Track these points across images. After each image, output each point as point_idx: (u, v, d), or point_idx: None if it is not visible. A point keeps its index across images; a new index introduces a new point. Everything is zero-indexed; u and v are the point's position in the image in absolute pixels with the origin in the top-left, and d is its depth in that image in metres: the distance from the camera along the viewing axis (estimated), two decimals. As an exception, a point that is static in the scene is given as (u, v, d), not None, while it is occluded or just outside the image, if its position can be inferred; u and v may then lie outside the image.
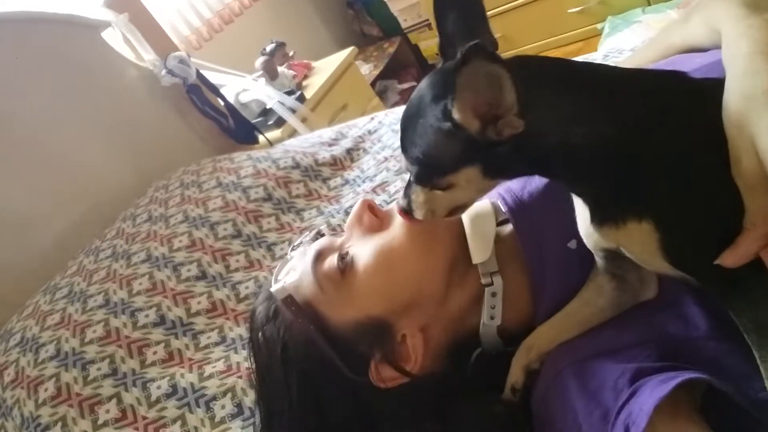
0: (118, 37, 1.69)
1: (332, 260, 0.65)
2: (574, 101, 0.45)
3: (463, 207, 0.55)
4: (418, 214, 0.54)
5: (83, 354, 1.00)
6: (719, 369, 0.50)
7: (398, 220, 0.66)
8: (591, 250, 0.55)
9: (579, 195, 0.51)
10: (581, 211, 0.52)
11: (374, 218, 0.68)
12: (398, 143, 0.53)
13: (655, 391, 0.46)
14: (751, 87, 0.40)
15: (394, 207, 0.68)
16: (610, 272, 0.57)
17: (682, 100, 0.46)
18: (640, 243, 0.46)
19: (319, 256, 0.67)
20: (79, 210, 1.48)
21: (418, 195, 0.53)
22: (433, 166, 0.49)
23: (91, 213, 1.48)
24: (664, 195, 0.44)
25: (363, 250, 0.66)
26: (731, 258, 0.41)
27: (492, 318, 0.62)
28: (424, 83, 0.50)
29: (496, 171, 0.48)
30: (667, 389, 0.45)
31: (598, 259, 0.57)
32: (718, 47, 0.51)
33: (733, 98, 0.41)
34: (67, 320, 1.07)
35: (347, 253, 0.66)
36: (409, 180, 0.54)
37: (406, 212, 0.55)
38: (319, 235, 0.76)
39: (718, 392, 0.47)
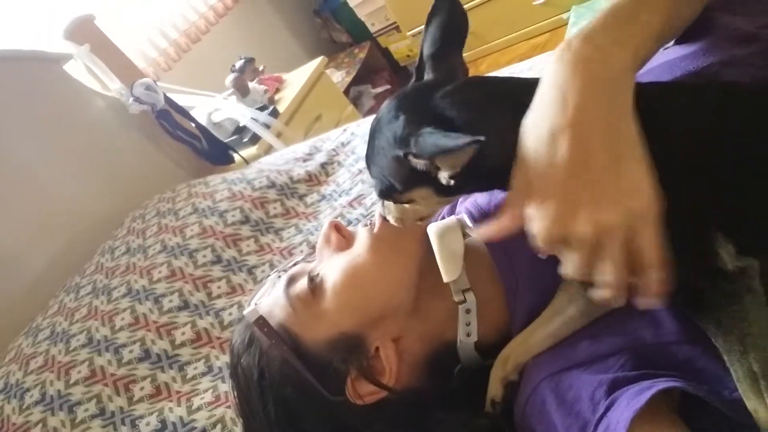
0: (80, 69, 1.67)
1: (303, 282, 0.67)
2: (503, 117, 0.47)
3: (427, 217, 0.58)
4: (391, 221, 0.58)
5: (69, 396, 0.99)
6: (693, 371, 0.50)
7: (362, 237, 0.69)
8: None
9: None
10: None
11: (341, 238, 0.70)
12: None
13: (632, 402, 0.46)
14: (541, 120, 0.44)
15: (359, 226, 0.73)
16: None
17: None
18: None
19: (291, 280, 0.69)
20: (57, 245, 1.47)
21: (388, 204, 0.56)
22: (390, 183, 0.51)
23: (69, 247, 1.46)
24: None
25: (331, 268, 0.67)
26: (489, 232, 0.48)
27: (468, 335, 0.63)
28: (386, 104, 0.52)
29: (448, 191, 0.49)
30: (643, 400, 0.45)
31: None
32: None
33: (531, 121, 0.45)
34: (51, 362, 1.06)
35: (317, 274, 0.67)
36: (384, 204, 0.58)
37: (384, 218, 0.59)
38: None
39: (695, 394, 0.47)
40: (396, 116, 0.49)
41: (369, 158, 0.53)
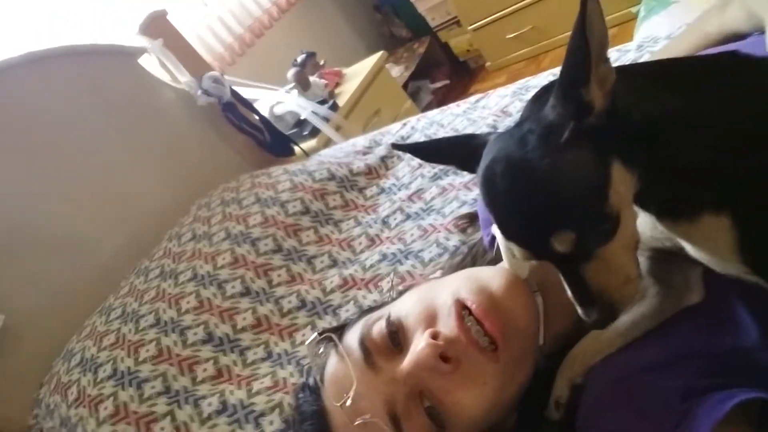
0: (153, 62, 1.74)
1: (424, 424, 0.56)
2: (646, 85, 0.44)
3: (639, 241, 0.45)
4: (630, 292, 0.43)
5: (138, 373, 1.04)
6: None
7: (488, 368, 0.56)
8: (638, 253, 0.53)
9: (647, 199, 0.46)
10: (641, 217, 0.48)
11: (448, 366, 0.55)
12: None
13: (711, 412, 0.44)
14: None
15: (460, 335, 0.56)
16: (655, 275, 0.55)
17: (756, 77, 0.45)
18: (714, 239, 0.43)
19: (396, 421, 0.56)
20: (127, 231, 1.54)
21: (603, 268, 0.41)
22: (588, 206, 0.39)
23: (139, 233, 1.53)
24: (745, 185, 0.42)
25: (455, 402, 0.56)
26: None
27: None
28: (500, 156, 0.42)
29: (623, 154, 0.41)
30: (723, 411, 0.43)
31: (643, 262, 0.55)
32: (758, 31, 0.49)
33: None
34: (121, 340, 1.12)
35: (437, 412, 0.56)
36: (572, 273, 0.42)
37: (613, 311, 0.43)
38: (324, 336, 0.65)
39: None
40: (531, 130, 0.40)
41: (538, 223, 0.40)
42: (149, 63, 1.75)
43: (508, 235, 0.42)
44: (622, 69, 0.41)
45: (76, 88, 1.54)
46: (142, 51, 1.69)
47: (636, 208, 0.45)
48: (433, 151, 0.55)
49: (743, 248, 0.42)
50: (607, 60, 0.39)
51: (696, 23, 0.73)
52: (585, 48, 0.37)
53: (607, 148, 0.40)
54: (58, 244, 1.43)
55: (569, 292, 0.43)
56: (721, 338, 0.52)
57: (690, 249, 0.47)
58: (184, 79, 1.74)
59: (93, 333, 1.19)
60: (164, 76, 1.79)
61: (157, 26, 1.74)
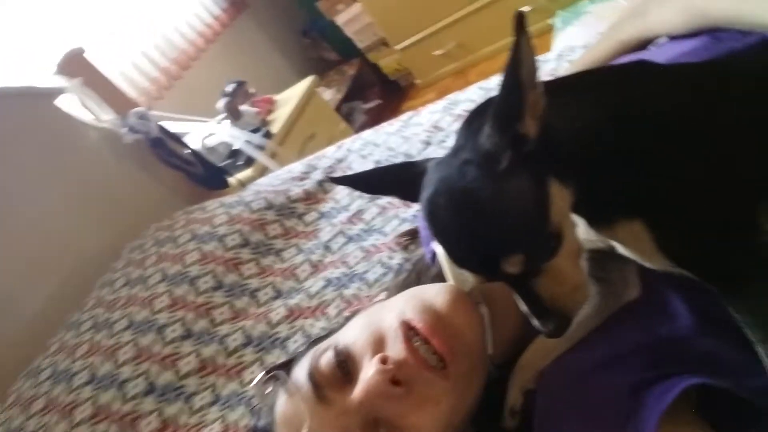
0: (74, 102, 1.67)
1: None
2: (570, 102, 0.46)
3: (581, 248, 0.46)
4: (581, 299, 0.45)
5: (72, 436, 0.96)
6: (714, 362, 0.49)
7: (437, 386, 0.55)
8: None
9: (579, 205, 0.47)
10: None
11: (399, 390, 0.54)
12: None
13: (655, 405, 0.45)
14: None
15: (406, 356, 0.55)
16: (594, 275, 0.56)
17: (662, 91, 0.47)
18: (635, 241, 0.46)
19: None
20: (55, 282, 1.44)
21: (553, 281, 0.43)
22: (533, 228, 0.41)
23: (67, 284, 1.44)
24: (653, 192, 0.44)
25: (413, 424, 0.54)
26: None
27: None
28: (442, 188, 0.43)
29: (558, 172, 0.42)
30: (666, 403, 0.44)
31: (582, 263, 0.56)
32: (694, 31, 0.52)
33: None
34: (53, 403, 1.03)
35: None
36: (525, 289, 0.44)
37: (567, 319, 0.44)
38: (271, 374, 0.62)
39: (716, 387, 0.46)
40: (469, 160, 0.41)
41: (483, 246, 0.41)
42: (68, 103, 1.67)
43: (458, 262, 0.43)
44: (547, 87, 0.42)
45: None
46: (58, 92, 1.61)
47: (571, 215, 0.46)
48: (371, 182, 0.54)
49: (661, 247, 0.44)
50: (536, 86, 0.40)
51: (611, 31, 0.77)
52: (518, 86, 0.39)
53: (543, 169, 0.41)
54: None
55: (523, 307, 0.44)
56: (659, 329, 0.54)
57: (620, 249, 0.48)
58: (107, 117, 1.67)
59: (18, 400, 1.09)
60: (87, 116, 1.71)
61: (75, 65, 1.66)
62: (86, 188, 1.59)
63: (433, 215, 0.43)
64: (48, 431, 0.98)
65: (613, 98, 0.47)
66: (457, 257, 0.44)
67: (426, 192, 0.44)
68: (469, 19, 2.71)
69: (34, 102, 1.59)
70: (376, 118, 2.99)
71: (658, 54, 0.64)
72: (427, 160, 0.48)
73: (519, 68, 0.38)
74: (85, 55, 1.74)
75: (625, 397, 0.49)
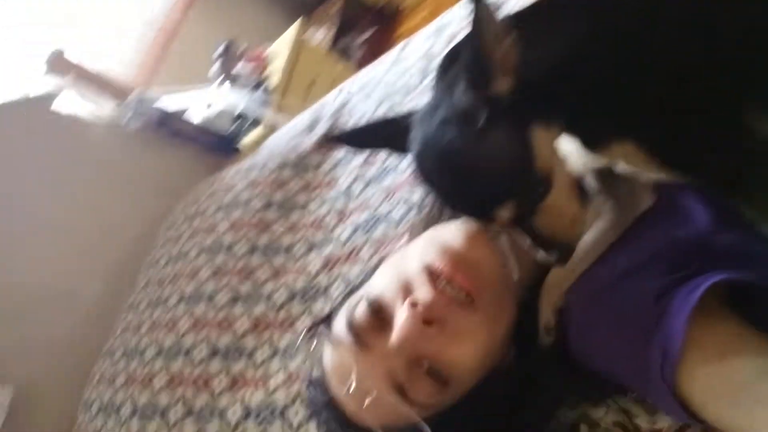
0: (69, 104, 1.68)
1: (429, 384, 0.57)
2: (539, 38, 0.45)
3: (574, 179, 0.49)
4: (579, 229, 0.48)
5: (157, 403, 1.06)
6: (738, 257, 0.50)
7: (471, 320, 0.58)
8: (583, 175, 0.56)
9: (573, 132, 0.49)
10: (573, 145, 0.51)
11: (433, 329, 0.57)
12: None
13: (682, 307, 0.46)
14: None
15: (430, 297, 0.57)
16: (605, 192, 0.58)
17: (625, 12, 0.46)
18: (630, 160, 0.47)
19: (401, 390, 0.58)
20: (103, 272, 1.54)
21: (549, 217, 0.45)
22: (519, 176, 0.43)
23: (114, 271, 1.53)
24: (638, 108, 0.44)
25: (450, 356, 0.57)
26: None
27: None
28: (426, 149, 0.45)
29: (540, 114, 0.44)
30: (692, 303, 0.45)
31: (591, 182, 0.57)
32: None
33: None
34: (132, 377, 1.14)
35: (437, 369, 0.57)
36: (524, 226, 0.46)
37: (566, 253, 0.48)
38: (313, 330, 0.68)
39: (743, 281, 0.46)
40: (447, 119, 0.42)
41: (476, 197, 0.43)
42: (66, 104, 1.69)
43: (455, 211, 0.47)
44: (518, 21, 0.42)
45: (9, 146, 1.49)
46: (52, 97, 1.62)
47: (568, 137, 0.48)
48: (364, 139, 0.57)
49: (657, 161, 0.45)
50: (505, 39, 0.40)
51: None
52: (483, 49, 0.39)
53: (523, 117, 0.42)
54: (44, 301, 1.42)
55: (526, 241, 0.47)
56: (678, 232, 0.54)
57: (621, 165, 0.49)
58: (108, 108, 1.69)
59: (103, 378, 1.21)
60: (87, 112, 1.73)
61: (60, 65, 1.67)
62: (109, 180, 1.65)
63: (422, 174, 0.46)
64: (135, 400, 1.08)
65: (586, 16, 0.46)
66: (454, 208, 0.47)
67: (413, 151, 0.47)
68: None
69: (34, 110, 1.61)
70: (374, 48, 2.91)
71: None
72: (411, 113, 0.50)
73: (482, 33, 0.38)
74: (65, 55, 1.73)
75: (653, 300, 0.50)
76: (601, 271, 0.56)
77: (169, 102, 1.82)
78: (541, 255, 0.47)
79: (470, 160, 0.42)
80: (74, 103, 1.70)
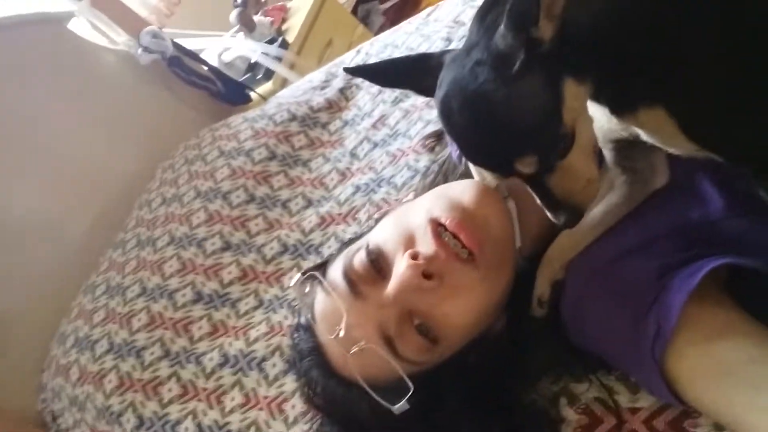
0: (85, 26, 1.64)
1: (414, 339, 0.56)
2: None
3: (596, 144, 0.48)
4: (592, 193, 0.46)
5: (134, 343, 1.05)
6: (745, 243, 0.50)
7: (468, 275, 0.57)
8: (601, 146, 0.54)
9: (600, 95, 0.47)
10: (594, 112, 0.49)
11: (431, 282, 0.56)
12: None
13: (683, 285, 0.46)
14: None
15: (436, 250, 0.56)
16: (620, 165, 0.56)
17: None
18: (657, 127, 0.45)
19: (389, 342, 0.57)
20: (95, 205, 1.51)
21: (565, 177, 0.44)
22: (545, 129, 0.41)
23: (107, 206, 1.50)
24: (673, 75, 0.43)
25: (443, 312, 0.57)
26: None
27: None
28: (454, 90, 0.43)
29: (574, 69, 0.42)
30: (693, 283, 0.45)
31: (608, 153, 0.56)
32: None
33: None
34: (112, 315, 1.12)
35: (426, 326, 0.57)
36: (538, 184, 0.45)
37: (574, 217, 0.46)
38: (308, 275, 0.64)
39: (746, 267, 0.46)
40: (481, 61, 0.41)
41: (497, 147, 0.42)
42: (81, 28, 1.64)
43: (473, 161, 0.46)
44: None
45: (7, 64, 1.44)
46: (69, 16, 1.58)
47: (591, 104, 0.46)
48: (387, 74, 0.54)
49: (686, 132, 0.43)
50: None
51: None
52: None
53: (557, 69, 0.41)
54: (30, 229, 1.39)
55: (537, 200, 0.46)
56: (690, 214, 0.54)
57: (644, 136, 0.47)
58: (121, 38, 1.64)
59: (82, 313, 1.19)
60: (100, 40, 1.68)
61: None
62: (110, 113, 1.61)
63: (446, 116, 0.44)
64: (111, 338, 1.06)
65: None
66: (471, 157, 0.46)
67: (440, 92, 0.44)
68: None
69: (48, 29, 1.57)
70: (395, 18, 2.85)
71: None
72: (444, 52, 0.48)
73: None
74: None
75: (654, 279, 0.50)
76: (606, 246, 0.55)
77: (184, 43, 1.78)
78: (549, 215, 0.46)
79: (499, 104, 0.40)
80: (87, 31, 1.65)
